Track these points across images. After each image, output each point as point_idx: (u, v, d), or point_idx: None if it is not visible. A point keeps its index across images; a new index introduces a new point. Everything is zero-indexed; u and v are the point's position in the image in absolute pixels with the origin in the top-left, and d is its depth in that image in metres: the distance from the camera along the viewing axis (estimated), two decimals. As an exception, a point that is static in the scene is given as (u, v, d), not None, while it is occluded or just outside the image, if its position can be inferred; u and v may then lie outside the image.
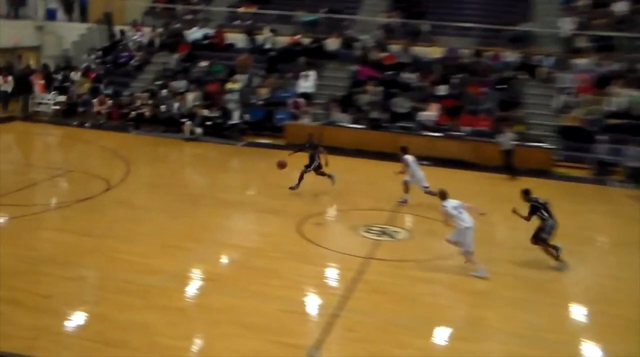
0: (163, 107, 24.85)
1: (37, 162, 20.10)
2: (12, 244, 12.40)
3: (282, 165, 16.40)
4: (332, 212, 16.20)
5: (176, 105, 24.65)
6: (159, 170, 19.42)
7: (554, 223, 12.26)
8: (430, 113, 22.85)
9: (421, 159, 18.70)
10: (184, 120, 23.87)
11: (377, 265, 12.29)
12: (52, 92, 27.39)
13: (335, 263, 12.47)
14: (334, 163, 16.84)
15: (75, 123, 25.37)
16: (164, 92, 25.74)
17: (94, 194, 15.98)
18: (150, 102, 25.02)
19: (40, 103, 27.33)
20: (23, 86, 26.92)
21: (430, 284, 11.66)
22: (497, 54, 25.27)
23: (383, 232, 14.09)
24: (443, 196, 12.27)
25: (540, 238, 12.31)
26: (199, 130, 23.42)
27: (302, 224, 14.34)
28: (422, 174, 16.15)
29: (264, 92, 25.27)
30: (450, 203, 12.03)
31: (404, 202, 16.18)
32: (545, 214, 12.26)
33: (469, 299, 11.20)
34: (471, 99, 23.36)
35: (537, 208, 12.26)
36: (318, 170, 16.65)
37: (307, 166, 16.56)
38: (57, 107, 26.64)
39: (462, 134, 21.94)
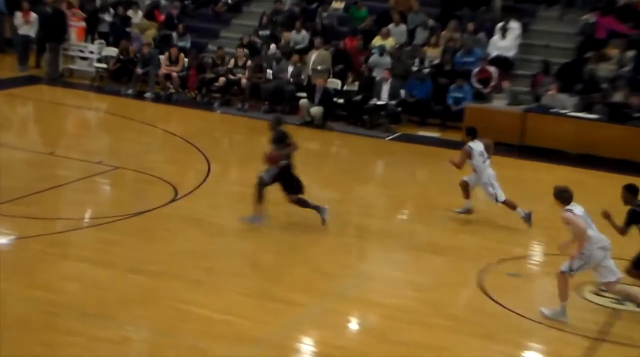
0: (269, 73, 25.28)
1: (66, 151, 20.73)
2: (21, 280, 12.76)
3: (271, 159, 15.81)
4: (537, 257, 16.01)
5: (290, 70, 25.06)
6: (255, 174, 19.60)
7: None
8: None
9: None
10: (301, 94, 24.22)
11: (614, 351, 11.99)
12: (97, 42, 28.45)
13: (542, 344, 12.28)
14: (542, 175, 16.49)
15: (129, 92, 26.30)
16: (272, 48, 26.16)
17: (151, 207, 16.36)
18: (249, 63, 25.47)
19: (77, 57, 28.50)
20: (52, 30, 27.81)
21: None
22: None
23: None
24: (565, 198, 12.46)
25: None
26: (321, 110, 23.62)
27: (485, 273, 14.17)
28: (493, 175, 16.16)
29: (433, 54, 25.38)
30: (578, 209, 12.38)
31: (466, 212, 16.65)
32: None
33: None
34: None
35: (637, 216, 12.67)
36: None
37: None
38: (103, 66, 27.58)
39: None
